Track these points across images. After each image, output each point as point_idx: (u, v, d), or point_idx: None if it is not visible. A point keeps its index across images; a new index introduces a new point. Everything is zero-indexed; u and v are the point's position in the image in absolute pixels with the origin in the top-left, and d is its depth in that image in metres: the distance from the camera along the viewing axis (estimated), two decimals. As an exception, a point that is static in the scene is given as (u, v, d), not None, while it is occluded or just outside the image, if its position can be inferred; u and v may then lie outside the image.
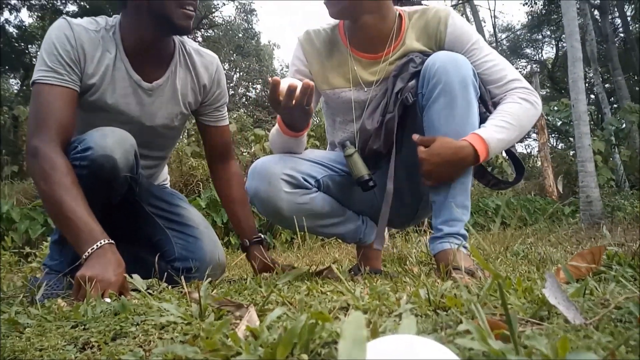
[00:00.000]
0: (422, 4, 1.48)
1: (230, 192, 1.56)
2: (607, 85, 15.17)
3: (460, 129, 1.21)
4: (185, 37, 1.44)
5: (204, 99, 1.49)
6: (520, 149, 16.23)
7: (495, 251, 1.91)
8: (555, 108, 8.53)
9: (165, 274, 1.20)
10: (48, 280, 1.23)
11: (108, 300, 0.92)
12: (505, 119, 1.25)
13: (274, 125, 1.47)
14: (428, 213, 1.46)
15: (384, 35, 1.38)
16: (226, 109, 1.57)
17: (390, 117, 1.28)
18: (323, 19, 1.51)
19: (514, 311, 0.61)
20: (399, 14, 1.40)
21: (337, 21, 1.47)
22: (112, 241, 1.11)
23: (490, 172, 1.42)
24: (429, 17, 1.37)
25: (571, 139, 9.49)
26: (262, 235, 1.53)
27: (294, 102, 1.17)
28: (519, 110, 1.28)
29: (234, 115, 9.45)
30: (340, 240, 3.71)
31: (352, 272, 1.48)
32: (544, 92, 18.88)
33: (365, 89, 1.41)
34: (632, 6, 15.96)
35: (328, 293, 0.87)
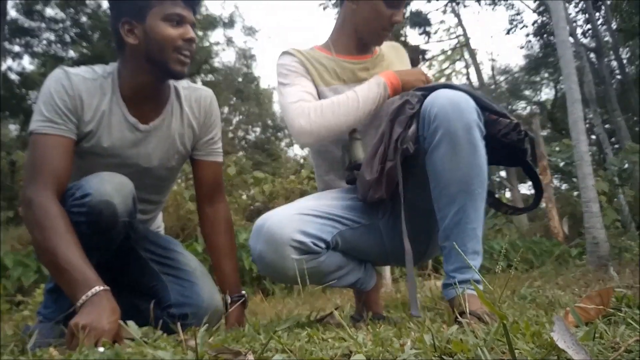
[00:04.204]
0: (421, 50, 1.64)
1: (216, 240, 1.48)
2: (607, 126, 15.34)
3: (466, 174, 1.16)
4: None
5: (199, 132, 1.49)
6: (524, 190, 16.26)
7: (502, 295, 1.87)
8: (557, 149, 8.60)
9: (161, 321, 1.17)
10: (40, 328, 1.20)
11: (101, 349, 0.89)
12: None
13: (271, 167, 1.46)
14: (436, 251, 1.41)
15: (366, 44, 1.57)
16: (220, 145, 1.54)
17: (391, 166, 1.23)
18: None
19: (523, 356, 0.59)
20: None
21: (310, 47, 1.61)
22: (108, 287, 1.09)
23: (505, 203, 1.45)
24: (388, 42, 1.65)
25: (574, 179, 9.50)
26: (244, 293, 1.46)
27: None
28: None
29: (233, 158, 9.51)
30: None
31: (355, 319, 1.44)
32: (545, 133, 19.08)
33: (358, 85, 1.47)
34: (627, 49, 16.39)
35: (329, 340, 0.85)
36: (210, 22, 16.62)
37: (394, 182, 1.24)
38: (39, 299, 2.42)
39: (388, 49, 1.65)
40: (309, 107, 1.38)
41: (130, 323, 0.98)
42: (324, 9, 14.55)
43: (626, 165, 8.18)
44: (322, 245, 1.28)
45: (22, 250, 4.05)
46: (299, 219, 1.27)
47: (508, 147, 1.28)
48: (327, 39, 1.61)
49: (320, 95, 1.48)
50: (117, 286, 1.15)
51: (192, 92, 1.47)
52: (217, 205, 1.51)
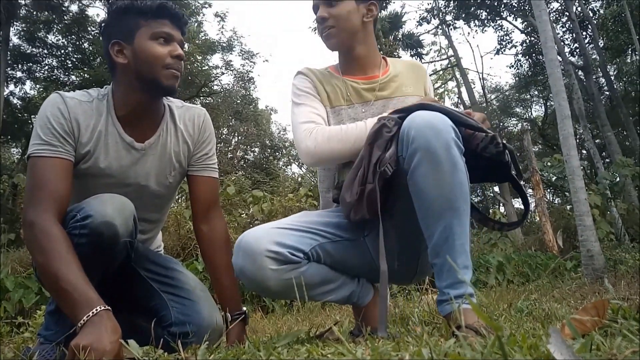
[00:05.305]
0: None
1: (214, 258, 1.48)
2: (597, 141, 15.50)
3: (449, 192, 1.18)
4: (171, 98, 1.48)
5: (193, 149, 1.50)
6: (517, 204, 16.31)
7: (499, 308, 1.88)
8: (549, 164, 8.66)
9: (162, 340, 1.17)
10: (41, 350, 1.19)
11: (102, 369, 0.89)
12: None
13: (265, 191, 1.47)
14: (430, 270, 1.41)
15: (372, 63, 1.60)
16: (215, 161, 1.56)
17: (371, 189, 1.25)
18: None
19: (519, 367, 0.60)
20: (382, 57, 1.66)
21: (326, 66, 1.66)
22: (109, 307, 1.09)
23: (492, 218, 1.46)
24: (408, 60, 1.72)
25: (567, 193, 9.55)
26: (245, 310, 1.46)
27: None
28: None
29: (232, 178, 9.51)
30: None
31: (354, 334, 1.44)
32: (536, 149, 19.24)
33: (364, 106, 1.54)
34: (615, 66, 16.67)
35: (329, 355, 0.85)
36: (209, 47, 16.79)
37: (375, 204, 1.25)
38: (39, 320, 2.39)
39: (406, 68, 1.64)
40: (318, 130, 1.42)
41: (131, 342, 0.98)
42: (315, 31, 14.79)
43: (617, 179, 8.26)
44: (301, 255, 1.30)
45: (23, 273, 4.00)
46: (275, 232, 1.30)
47: (490, 161, 1.29)
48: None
49: (340, 116, 1.54)
50: (117, 306, 1.15)
51: (185, 110, 1.51)
52: (213, 222, 1.51)
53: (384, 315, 1.21)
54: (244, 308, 1.47)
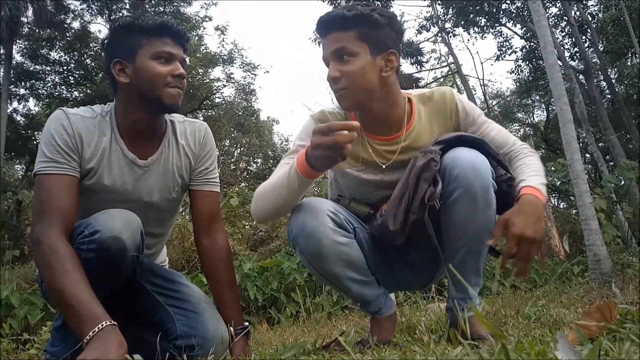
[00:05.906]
0: (414, 78, 1.61)
1: (216, 273, 1.48)
2: (600, 144, 15.46)
3: (480, 227, 1.29)
4: (173, 113, 1.49)
5: (194, 163, 1.51)
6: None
7: (507, 315, 1.86)
8: (553, 168, 8.63)
9: (168, 353, 1.16)
10: (47, 366, 1.20)
11: (109, 384, 0.89)
12: (533, 168, 1.39)
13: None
14: (443, 273, 1.53)
15: (395, 119, 1.44)
16: (216, 175, 1.56)
17: (415, 219, 1.30)
18: (321, 100, 1.56)
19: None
20: (408, 98, 1.47)
21: None
22: (115, 322, 1.10)
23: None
24: (436, 97, 1.48)
25: (572, 197, 9.51)
26: (248, 325, 1.46)
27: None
28: (535, 160, 1.44)
29: (236, 189, 9.55)
30: (357, 309, 3.61)
31: (362, 344, 1.43)
32: (540, 154, 19.14)
33: (378, 169, 1.46)
34: (615, 69, 16.68)
35: (335, 366, 0.84)
36: (210, 60, 16.92)
37: (414, 231, 1.33)
38: (45, 337, 2.38)
39: (433, 112, 1.47)
40: (256, 192, 1.41)
41: (137, 357, 0.98)
42: (319, 44, 14.82)
43: (622, 182, 8.22)
44: (351, 226, 1.39)
45: (28, 289, 4.01)
46: (330, 202, 1.39)
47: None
48: None
49: (348, 176, 1.48)
50: (123, 320, 1.15)
51: (187, 125, 1.52)
52: (215, 236, 1.50)
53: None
54: (246, 323, 1.47)
